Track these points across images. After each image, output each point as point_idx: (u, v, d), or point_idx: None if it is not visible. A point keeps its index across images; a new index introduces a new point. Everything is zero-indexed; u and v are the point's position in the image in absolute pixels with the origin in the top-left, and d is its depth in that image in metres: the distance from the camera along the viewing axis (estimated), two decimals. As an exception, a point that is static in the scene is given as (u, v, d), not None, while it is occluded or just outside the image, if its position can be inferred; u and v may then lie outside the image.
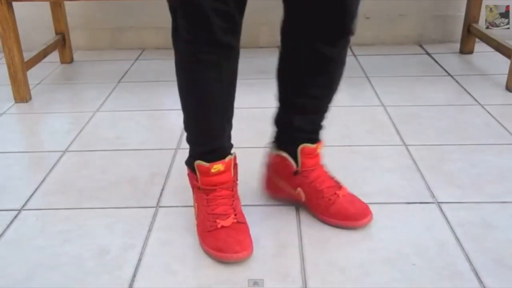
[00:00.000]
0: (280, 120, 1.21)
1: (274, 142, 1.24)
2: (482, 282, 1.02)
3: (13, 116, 1.88)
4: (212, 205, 1.13)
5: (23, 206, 1.31)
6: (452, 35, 2.58)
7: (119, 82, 2.18)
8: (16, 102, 1.97)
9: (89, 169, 1.49)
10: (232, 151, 1.16)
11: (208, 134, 1.12)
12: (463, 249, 1.11)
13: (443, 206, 1.27)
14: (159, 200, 1.32)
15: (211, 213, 1.12)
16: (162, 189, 1.37)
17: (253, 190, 1.28)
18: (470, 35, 2.38)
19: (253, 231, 1.14)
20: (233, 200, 1.15)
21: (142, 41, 2.62)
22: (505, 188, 1.33)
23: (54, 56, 2.34)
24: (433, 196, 1.31)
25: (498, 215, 1.23)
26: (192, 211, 1.22)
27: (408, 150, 1.54)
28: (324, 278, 1.04)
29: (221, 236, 1.09)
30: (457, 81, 2.09)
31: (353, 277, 1.04)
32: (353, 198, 1.20)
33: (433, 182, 1.37)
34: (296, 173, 1.20)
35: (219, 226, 1.10)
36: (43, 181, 1.43)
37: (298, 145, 1.17)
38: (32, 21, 2.49)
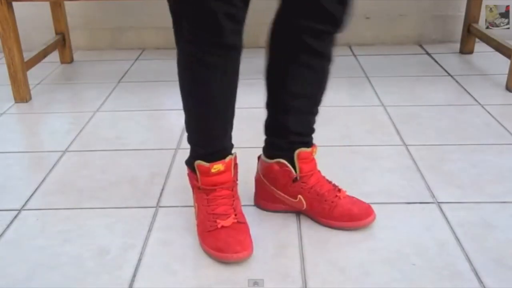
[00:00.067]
0: (274, 126, 1.19)
1: (268, 150, 1.21)
2: (482, 282, 1.02)
3: (13, 116, 1.88)
4: (212, 205, 1.13)
5: (23, 206, 1.31)
6: (452, 35, 2.58)
7: (119, 82, 2.18)
8: (16, 102, 1.97)
9: (89, 169, 1.49)
10: (233, 151, 1.16)
11: (209, 135, 1.12)
12: (463, 249, 1.11)
13: (443, 206, 1.27)
14: (159, 200, 1.32)
15: (212, 213, 1.12)
16: (162, 189, 1.37)
17: (253, 190, 1.28)
18: (470, 35, 2.38)
19: (253, 231, 1.14)
20: (233, 200, 1.14)
21: (142, 41, 2.62)
22: (505, 188, 1.33)
23: (54, 56, 2.34)
24: (433, 196, 1.31)
25: (498, 215, 1.23)
26: (192, 211, 1.22)
27: (408, 150, 1.54)
28: (324, 278, 1.04)
29: (221, 236, 1.09)
30: (457, 81, 2.09)
31: (353, 277, 1.04)
32: (353, 199, 1.20)
33: (433, 182, 1.37)
34: (295, 180, 1.19)
35: (219, 226, 1.10)
36: (43, 181, 1.43)
37: (294, 151, 1.16)
38: (32, 21, 2.49)
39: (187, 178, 1.19)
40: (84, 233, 1.20)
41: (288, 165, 1.18)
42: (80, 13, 2.55)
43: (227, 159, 1.12)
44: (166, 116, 1.86)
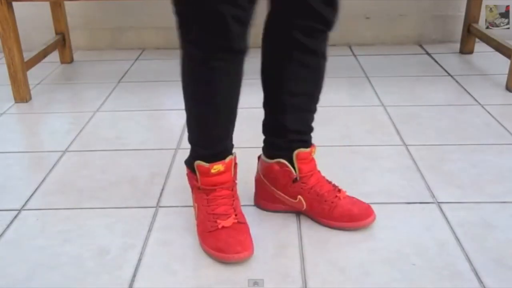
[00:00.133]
0: (272, 125, 1.19)
1: (268, 150, 1.22)
2: (482, 282, 1.02)
3: (13, 116, 1.88)
4: (212, 205, 1.13)
5: (23, 206, 1.31)
6: (452, 35, 2.58)
7: (119, 82, 2.18)
8: (16, 102, 1.97)
9: (89, 169, 1.49)
10: (233, 150, 1.16)
11: (211, 136, 1.12)
12: (463, 249, 1.11)
13: (443, 206, 1.27)
14: (159, 200, 1.32)
15: (212, 213, 1.12)
16: (162, 189, 1.37)
17: (253, 190, 1.28)
18: (470, 35, 2.38)
19: (253, 231, 1.14)
20: (233, 200, 1.14)
21: (142, 41, 2.62)
22: (505, 188, 1.33)
23: (54, 56, 2.34)
24: (433, 196, 1.31)
25: (498, 215, 1.23)
26: (192, 211, 1.22)
27: (408, 150, 1.54)
28: (324, 278, 1.04)
29: (222, 237, 1.09)
30: (457, 81, 2.09)
31: (353, 277, 1.04)
32: (353, 199, 1.20)
33: (433, 182, 1.37)
34: (295, 180, 1.19)
35: (219, 226, 1.10)
36: (43, 181, 1.43)
37: (293, 150, 1.16)
38: (32, 21, 2.49)
39: (186, 178, 1.20)
40: (84, 233, 1.20)
41: (289, 165, 1.17)
42: (80, 13, 2.55)
43: (227, 159, 1.12)
44: (166, 116, 1.86)
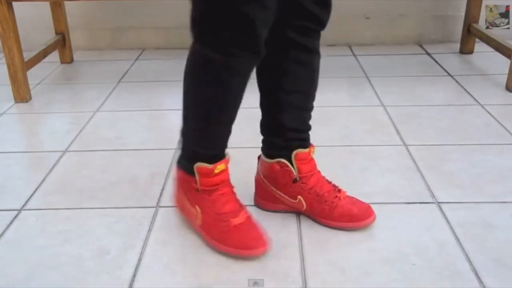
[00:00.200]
0: (270, 125, 1.19)
1: (267, 150, 1.21)
2: (482, 282, 1.02)
3: (13, 116, 1.88)
4: (218, 205, 1.11)
5: (23, 206, 1.31)
6: (452, 35, 2.58)
7: (119, 82, 2.18)
8: (16, 102, 1.97)
9: (89, 169, 1.49)
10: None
11: (218, 138, 1.11)
12: (463, 249, 1.11)
13: (443, 206, 1.27)
14: (159, 200, 1.32)
15: (221, 213, 1.11)
16: (162, 189, 1.37)
17: (253, 190, 1.28)
18: (470, 35, 2.38)
19: (253, 231, 1.14)
20: (235, 195, 1.14)
21: (142, 41, 2.62)
22: (505, 188, 1.33)
23: (54, 56, 2.34)
24: (433, 196, 1.31)
25: (498, 215, 1.23)
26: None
27: (408, 150, 1.54)
28: (324, 278, 1.04)
29: (241, 233, 1.08)
30: (457, 81, 2.09)
31: (353, 277, 1.04)
32: (353, 200, 1.20)
33: (433, 182, 1.37)
34: (295, 181, 1.19)
35: (235, 223, 1.09)
36: (43, 181, 1.43)
37: (292, 149, 1.16)
38: (32, 21, 2.49)
39: (175, 182, 1.18)
40: (84, 233, 1.20)
41: (289, 165, 1.17)
42: (80, 13, 2.55)
43: (227, 157, 1.12)
44: (166, 116, 1.86)
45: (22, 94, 1.97)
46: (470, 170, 1.42)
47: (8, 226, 1.23)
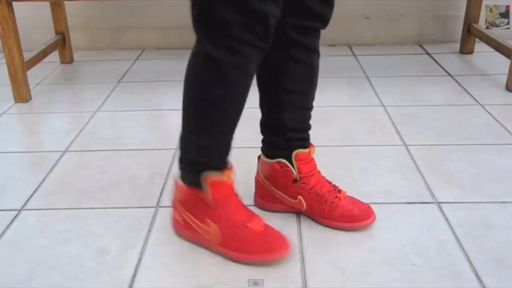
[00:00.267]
0: (270, 125, 1.18)
1: (267, 149, 1.21)
2: (482, 282, 1.02)
3: (13, 116, 1.88)
4: (231, 214, 1.08)
5: (23, 206, 1.31)
6: (452, 35, 2.58)
7: (119, 82, 2.18)
8: (16, 102, 1.97)
9: (89, 169, 1.49)
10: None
11: (226, 144, 1.07)
12: (463, 249, 1.11)
13: (443, 206, 1.27)
14: (159, 200, 1.32)
15: (238, 222, 1.08)
16: (162, 189, 1.37)
17: (253, 190, 1.28)
18: (470, 35, 2.38)
19: (253, 231, 1.13)
20: (242, 202, 1.12)
21: (142, 41, 2.62)
22: (505, 188, 1.33)
23: (54, 56, 2.34)
24: (433, 196, 1.31)
25: (498, 215, 1.23)
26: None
27: (408, 150, 1.54)
28: (324, 278, 1.04)
29: (262, 238, 1.07)
30: (457, 81, 2.09)
31: (353, 277, 1.04)
32: (353, 200, 1.20)
33: (433, 182, 1.37)
34: (295, 181, 1.19)
35: (254, 229, 1.07)
36: (43, 181, 1.43)
37: (292, 149, 1.16)
38: (32, 21, 2.49)
39: (174, 202, 1.15)
40: (84, 233, 1.20)
41: (289, 165, 1.17)
42: (80, 13, 2.55)
43: (230, 164, 1.10)
44: (166, 116, 1.86)
45: (22, 94, 1.97)
46: (470, 170, 1.42)
47: (8, 226, 1.23)
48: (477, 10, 2.33)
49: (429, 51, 2.48)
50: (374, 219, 1.18)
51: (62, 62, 2.43)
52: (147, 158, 1.53)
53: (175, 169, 1.45)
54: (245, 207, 1.12)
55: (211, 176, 1.06)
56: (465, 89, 2.00)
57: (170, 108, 1.91)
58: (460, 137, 1.61)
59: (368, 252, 1.11)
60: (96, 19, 2.59)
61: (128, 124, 1.77)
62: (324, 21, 1.08)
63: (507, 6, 2.14)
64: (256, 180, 1.26)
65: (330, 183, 1.21)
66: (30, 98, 2.01)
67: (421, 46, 2.57)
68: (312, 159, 1.20)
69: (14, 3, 1.88)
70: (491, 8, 2.16)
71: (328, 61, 2.23)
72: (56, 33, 2.35)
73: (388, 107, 1.85)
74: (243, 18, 0.91)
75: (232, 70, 0.97)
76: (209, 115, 1.02)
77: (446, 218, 1.22)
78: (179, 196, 1.13)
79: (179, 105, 1.10)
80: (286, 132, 1.16)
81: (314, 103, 1.19)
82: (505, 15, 2.15)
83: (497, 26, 2.17)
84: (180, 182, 1.11)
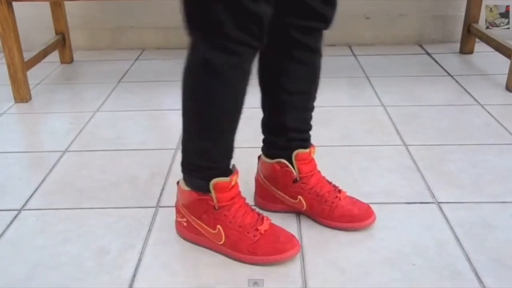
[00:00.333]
0: (271, 125, 1.18)
1: (267, 149, 1.21)
2: (482, 282, 1.02)
3: (13, 116, 1.88)
4: (239, 218, 1.08)
5: (23, 206, 1.31)
6: (452, 35, 2.58)
7: (119, 82, 2.18)
8: (16, 102, 1.97)
9: (89, 169, 1.49)
10: None
11: (227, 146, 1.07)
12: (463, 249, 1.11)
13: (443, 206, 1.27)
14: (159, 200, 1.32)
15: (245, 225, 1.08)
16: (162, 189, 1.37)
17: (253, 190, 1.28)
18: (470, 35, 2.38)
19: (253, 231, 1.13)
20: (250, 205, 1.12)
21: (142, 41, 2.62)
22: (505, 188, 1.33)
23: (54, 56, 2.34)
24: (433, 196, 1.31)
25: (498, 215, 1.23)
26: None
27: (408, 150, 1.54)
28: (324, 278, 1.04)
29: (271, 239, 1.07)
30: (457, 81, 2.09)
31: (353, 277, 1.04)
32: (353, 200, 1.20)
33: (433, 182, 1.37)
34: (295, 181, 1.19)
35: (263, 231, 1.07)
36: (43, 181, 1.43)
37: (293, 150, 1.16)
38: (32, 21, 2.49)
39: (179, 202, 1.14)
40: (84, 233, 1.20)
41: (289, 165, 1.17)
42: (80, 13, 2.55)
43: (235, 167, 1.10)
44: (166, 116, 1.86)
45: (22, 94, 1.97)
46: (470, 170, 1.42)
47: (8, 226, 1.23)
48: (477, 10, 2.33)
49: (429, 51, 2.48)
50: (374, 219, 1.18)
51: (62, 62, 2.43)
52: (147, 158, 1.53)
53: (175, 169, 1.46)
54: (252, 210, 1.11)
55: (220, 182, 1.06)
56: (465, 89, 2.00)
57: (170, 108, 1.91)
58: (460, 137, 1.62)
59: (368, 252, 1.11)
60: (96, 19, 2.59)
61: (128, 124, 1.77)
62: (326, 21, 1.08)
63: (507, 6, 2.14)
64: (256, 180, 1.26)
65: (330, 183, 1.21)
66: (30, 98, 2.01)
67: (421, 46, 2.57)
68: (312, 159, 1.20)
69: (14, 3, 1.88)
70: (491, 8, 2.16)
71: (328, 61, 2.22)
72: (56, 33, 2.35)
73: (388, 107, 1.85)
74: (237, 19, 0.91)
75: (228, 70, 0.97)
76: (208, 117, 1.02)
77: (446, 218, 1.22)
78: (182, 200, 1.13)
79: (179, 105, 1.10)
80: (287, 133, 1.16)
81: (314, 103, 1.19)
82: (505, 15, 2.15)
83: (497, 26, 2.17)
84: (184, 186, 1.11)
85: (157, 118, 1.84)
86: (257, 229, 1.08)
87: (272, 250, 1.06)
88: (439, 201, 1.29)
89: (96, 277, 1.06)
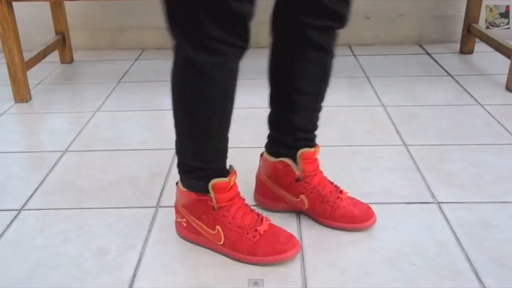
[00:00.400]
0: (279, 123, 1.18)
1: (272, 147, 1.21)
2: (482, 282, 1.02)
3: (13, 116, 1.88)
4: (239, 219, 1.08)
5: (23, 206, 1.31)
6: (452, 35, 2.58)
7: (119, 82, 2.18)
8: (16, 102, 1.97)
9: (89, 169, 1.49)
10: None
11: (225, 146, 1.07)
12: (463, 249, 1.11)
13: (443, 206, 1.27)
14: (159, 200, 1.32)
15: (244, 225, 1.08)
16: (162, 189, 1.37)
17: (253, 190, 1.28)
18: (470, 35, 2.38)
19: (253, 231, 1.13)
20: (249, 206, 1.12)
21: (142, 41, 2.62)
22: (505, 188, 1.33)
23: (54, 56, 2.34)
24: (433, 196, 1.31)
25: (498, 215, 1.23)
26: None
27: (408, 150, 1.54)
28: (324, 278, 1.04)
29: (271, 239, 1.07)
30: (457, 81, 2.09)
31: (353, 277, 1.04)
32: (354, 200, 1.20)
33: (433, 182, 1.37)
34: (298, 180, 1.19)
35: (262, 232, 1.07)
36: (43, 181, 1.43)
37: (298, 149, 1.16)
38: (32, 21, 2.49)
39: (179, 203, 1.14)
40: (84, 233, 1.20)
41: (292, 165, 1.17)
42: (80, 13, 2.55)
43: (233, 168, 1.10)
44: (166, 116, 1.86)
45: (22, 94, 1.97)
46: (470, 170, 1.42)
47: (8, 226, 1.23)
48: (477, 10, 2.33)
49: (429, 51, 2.48)
50: (375, 221, 1.17)
51: (62, 62, 2.43)
52: (147, 158, 1.53)
53: (175, 169, 1.45)
54: (251, 211, 1.11)
55: (219, 183, 1.06)
56: (465, 89, 2.00)
57: (170, 108, 1.90)
58: (460, 137, 1.62)
59: (368, 252, 1.11)
60: (96, 19, 2.59)
61: (128, 124, 1.77)
62: (341, 20, 1.06)
63: (507, 6, 2.14)
64: (257, 178, 1.26)
65: (332, 183, 1.21)
66: (30, 98, 2.01)
67: (421, 46, 2.57)
68: (316, 159, 1.20)
69: (14, 3, 1.88)
70: (491, 8, 2.16)
71: (328, 61, 2.23)
72: (56, 33, 2.35)
73: (388, 107, 1.85)
74: (219, 18, 0.91)
75: (212, 70, 0.96)
76: (196, 117, 1.02)
77: (446, 218, 1.22)
78: (181, 200, 1.13)
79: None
80: (296, 132, 1.16)
81: (322, 104, 1.19)
82: (505, 15, 2.15)
83: (497, 26, 2.17)
84: (182, 187, 1.11)
85: (157, 118, 1.84)
86: (256, 230, 1.08)
87: (272, 250, 1.06)
88: (439, 201, 1.29)
89: (96, 277, 1.06)
